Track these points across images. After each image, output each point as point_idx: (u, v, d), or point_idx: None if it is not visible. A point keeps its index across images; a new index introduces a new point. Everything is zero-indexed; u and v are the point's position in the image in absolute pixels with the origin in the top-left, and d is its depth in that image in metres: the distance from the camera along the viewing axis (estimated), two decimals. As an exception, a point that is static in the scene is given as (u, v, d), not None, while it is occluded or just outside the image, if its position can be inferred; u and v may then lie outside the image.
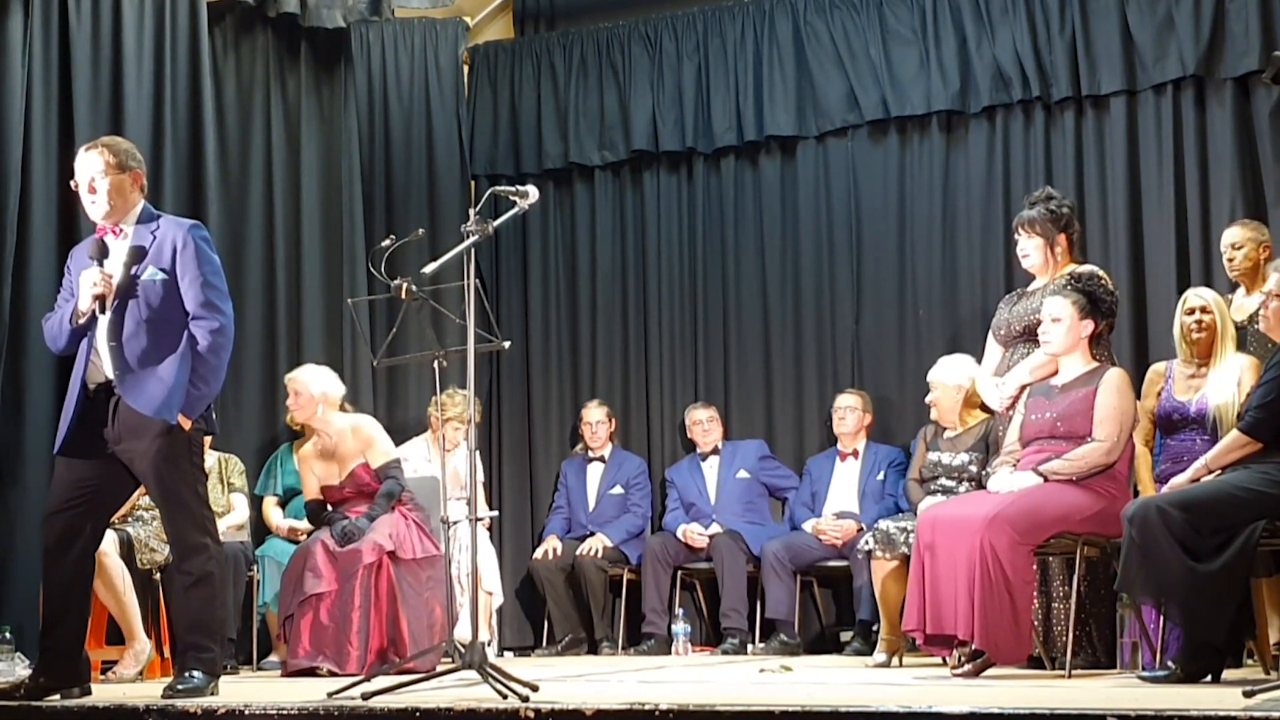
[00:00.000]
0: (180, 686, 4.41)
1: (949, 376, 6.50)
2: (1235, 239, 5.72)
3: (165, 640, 6.03)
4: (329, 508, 6.24)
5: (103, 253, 4.55)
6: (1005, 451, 5.32)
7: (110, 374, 4.52)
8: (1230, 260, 5.72)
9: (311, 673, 5.76)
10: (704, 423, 7.74)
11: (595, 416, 7.93)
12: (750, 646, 7.24)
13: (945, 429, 6.56)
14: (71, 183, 4.69)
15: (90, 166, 4.61)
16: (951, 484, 6.26)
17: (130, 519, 5.98)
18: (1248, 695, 3.43)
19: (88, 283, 4.49)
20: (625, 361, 8.32)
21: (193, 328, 4.56)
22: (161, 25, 7.07)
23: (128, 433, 4.51)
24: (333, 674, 5.66)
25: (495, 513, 7.84)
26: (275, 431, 7.50)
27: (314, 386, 6.31)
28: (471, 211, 4.66)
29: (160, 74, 7.04)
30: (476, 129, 8.55)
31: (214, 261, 4.67)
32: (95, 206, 4.63)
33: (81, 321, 4.53)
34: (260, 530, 7.06)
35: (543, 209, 8.37)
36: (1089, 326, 5.20)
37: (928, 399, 6.63)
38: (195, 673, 4.47)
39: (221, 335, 4.58)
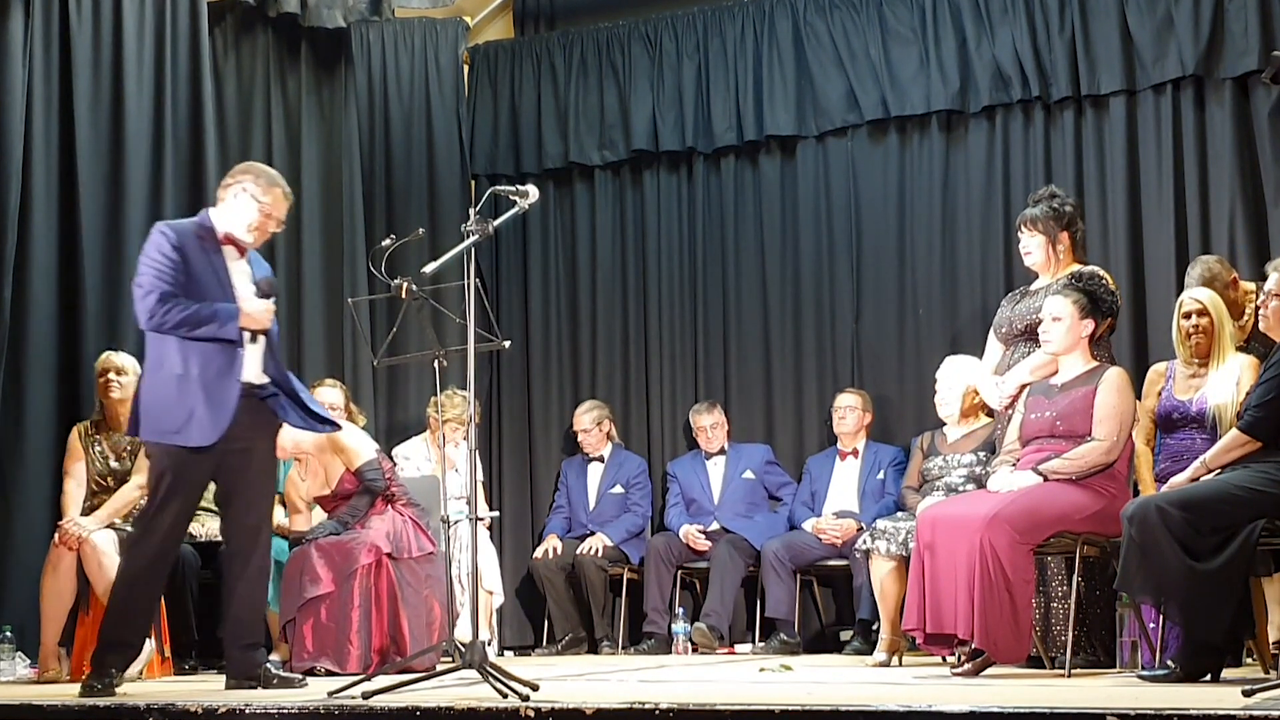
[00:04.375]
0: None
1: (967, 375, 6.44)
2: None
3: (166, 639, 6.02)
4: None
5: (272, 292, 5.03)
6: (1005, 451, 5.32)
7: (259, 380, 4.91)
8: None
9: (312, 672, 5.75)
10: (708, 430, 7.71)
11: (583, 424, 7.88)
12: (748, 646, 7.25)
13: (947, 434, 6.55)
14: (277, 222, 5.04)
15: (285, 211, 5.07)
16: (958, 481, 6.25)
17: (131, 518, 5.97)
18: (1247, 694, 3.43)
19: (261, 312, 4.86)
20: (625, 361, 8.32)
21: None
22: (162, 25, 7.08)
23: (255, 432, 4.91)
24: (331, 673, 5.66)
25: (495, 513, 7.85)
26: (275, 431, 7.50)
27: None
28: (471, 211, 4.66)
29: (161, 74, 7.05)
30: (476, 129, 8.56)
31: None
32: (260, 240, 5.05)
33: (231, 337, 4.80)
34: (261, 529, 7.05)
35: (543, 209, 8.37)
36: (1089, 326, 5.20)
37: (940, 398, 6.59)
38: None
39: None
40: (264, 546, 5.02)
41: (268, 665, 4.93)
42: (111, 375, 6.01)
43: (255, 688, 4.74)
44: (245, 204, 4.96)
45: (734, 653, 7.17)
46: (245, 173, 5.03)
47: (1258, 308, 4.79)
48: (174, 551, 4.97)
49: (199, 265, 4.84)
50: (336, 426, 5.48)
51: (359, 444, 6.22)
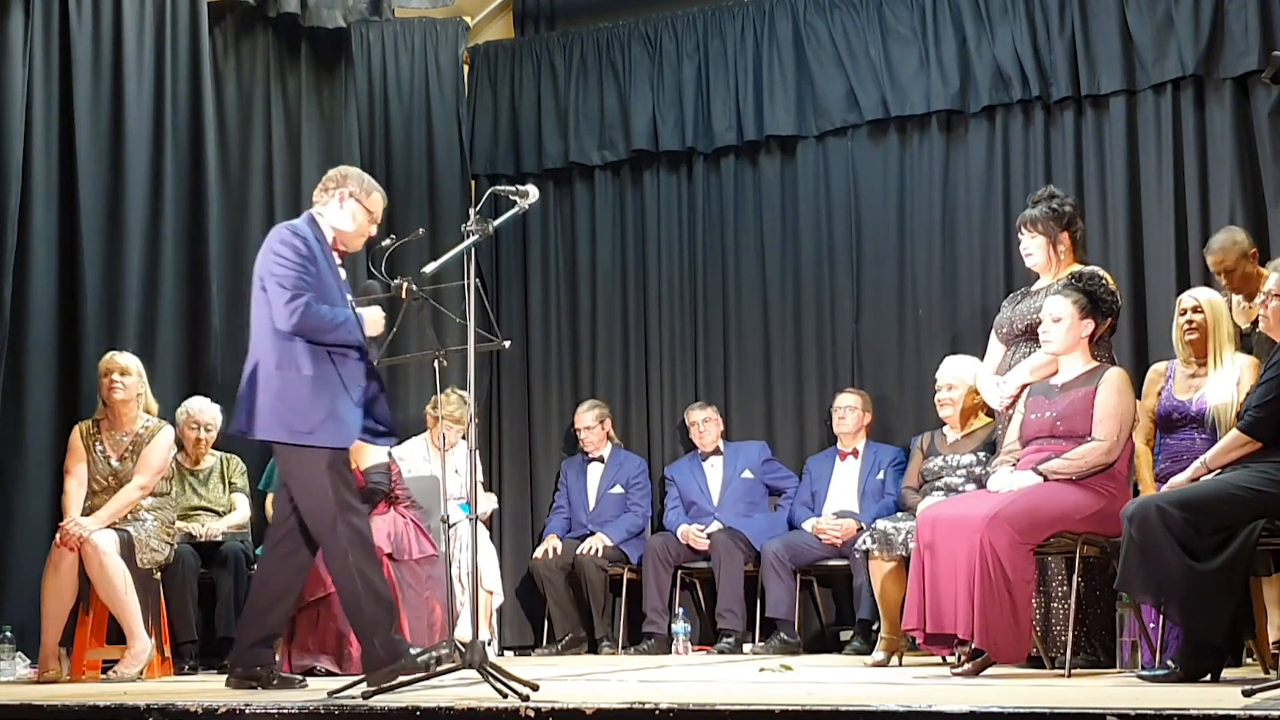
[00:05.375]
0: None
1: (967, 376, 6.44)
2: (1214, 259, 5.72)
3: (166, 640, 6.03)
4: None
5: (381, 297, 5.01)
6: (1005, 451, 5.32)
7: None
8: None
9: (311, 672, 5.76)
10: (700, 424, 7.74)
11: (585, 422, 7.90)
12: (749, 646, 7.25)
13: (947, 434, 6.55)
14: (376, 224, 5.09)
15: (381, 212, 5.08)
16: (958, 481, 6.24)
17: (131, 519, 5.97)
18: (1247, 694, 3.43)
19: (381, 320, 4.93)
20: (625, 361, 8.32)
21: None
22: (162, 25, 7.08)
23: None
24: (331, 673, 5.66)
25: (494, 505, 7.83)
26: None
27: None
28: (471, 211, 4.66)
29: (161, 74, 7.05)
30: (476, 129, 8.56)
31: None
32: (361, 244, 5.10)
33: (359, 343, 4.84)
34: (261, 529, 7.05)
35: (543, 209, 8.37)
36: (1089, 326, 5.20)
37: (940, 398, 6.59)
38: None
39: None
40: (313, 547, 4.93)
41: (271, 665, 4.92)
42: (115, 376, 6.01)
43: (255, 687, 4.73)
44: (353, 209, 4.97)
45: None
46: (346, 178, 5.02)
47: (1262, 304, 4.79)
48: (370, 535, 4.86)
49: (324, 269, 4.85)
50: (396, 440, 5.47)
51: (369, 447, 6.23)
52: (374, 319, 4.92)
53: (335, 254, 4.99)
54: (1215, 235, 5.97)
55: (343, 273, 5.00)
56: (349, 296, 4.97)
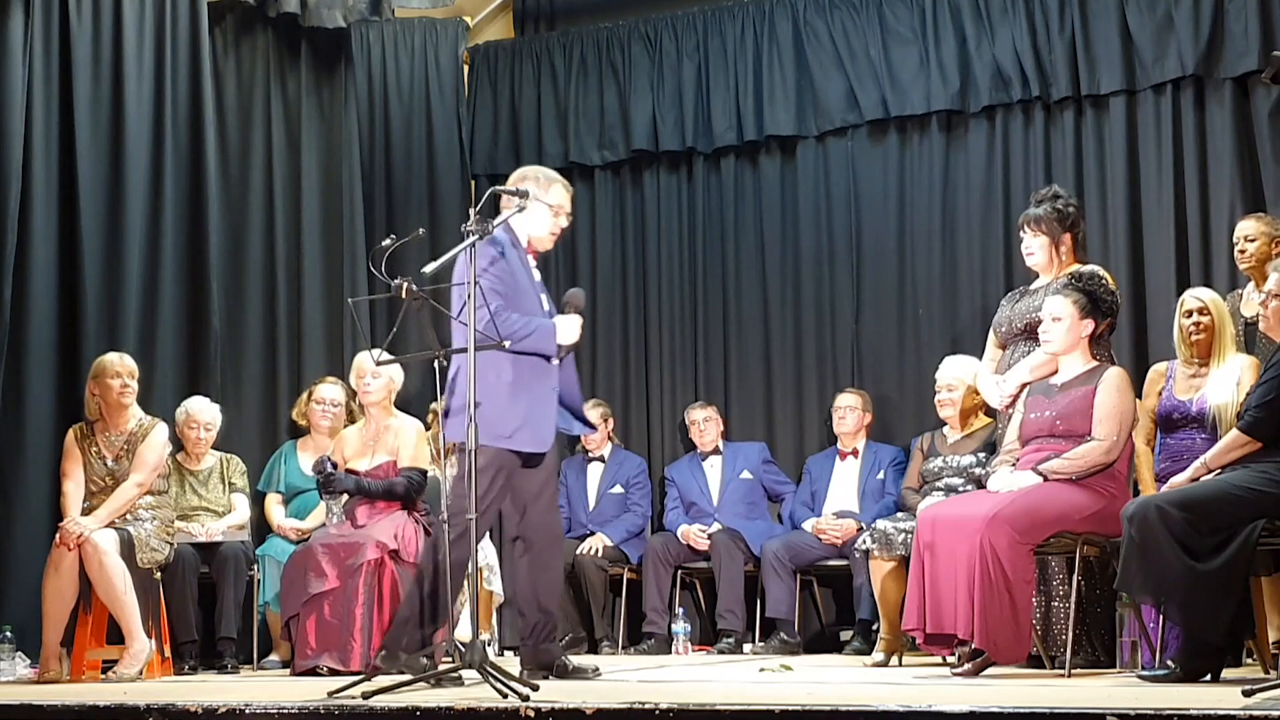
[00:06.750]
0: None
1: (966, 376, 6.44)
2: (1248, 231, 5.71)
3: (166, 639, 6.02)
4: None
5: (582, 307, 5.13)
6: (1005, 450, 5.32)
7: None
8: (1242, 252, 5.70)
9: (313, 671, 5.76)
10: (700, 423, 7.74)
11: (590, 419, 7.89)
12: (749, 646, 7.25)
13: (947, 435, 6.55)
14: (568, 216, 5.18)
15: (569, 200, 5.15)
16: (958, 482, 6.25)
17: (130, 519, 5.97)
18: (1247, 694, 3.43)
19: (578, 330, 4.99)
20: (625, 361, 8.33)
21: None
22: (162, 25, 7.08)
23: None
24: (334, 672, 5.66)
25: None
26: (276, 430, 7.50)
27: (397, 375, 6.42)
28: (471, 211, 4.67)
29: (161, 74, 7.06)
30: (476, 129, 8.56)
31: None
32: (551, 243, 5.19)
33: (549, 352, 4.90)
34: (261, 529, 7.06)
35: (543, 209, 8.36)
36: (1089, 326, 5.20)
37: (940, 398, 6.59)
38: None
39: None
40: (560, 538, 5.28)
41: (565, 658, 5.04)
42: (126, 379, 6.01)
43: (546, 678, 4.82)
44: (540, 211, 5.03)
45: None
46: (523, 179, 5.10)
47: (1262, 304, 4.79)
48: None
49: (521, 276, 4.92)
50: (593, 428, 5.63)
51: (422, 451, 6.25)
52: (571, 327, 4.95)
53: (531, 257, 5.07)
54: (1248, 219, 5.89)
55: (537, 275, 5.08)
56: (545, 301, 5.04)
